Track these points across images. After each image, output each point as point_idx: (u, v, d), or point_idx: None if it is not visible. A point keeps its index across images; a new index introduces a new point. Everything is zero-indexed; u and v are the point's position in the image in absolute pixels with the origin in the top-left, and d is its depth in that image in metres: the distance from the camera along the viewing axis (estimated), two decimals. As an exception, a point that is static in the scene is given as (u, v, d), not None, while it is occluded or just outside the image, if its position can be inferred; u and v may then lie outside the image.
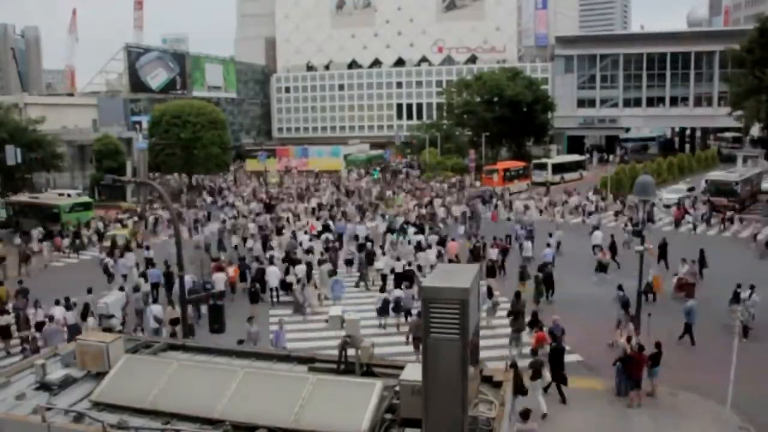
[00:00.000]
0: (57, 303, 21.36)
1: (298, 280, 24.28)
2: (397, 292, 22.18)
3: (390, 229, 33.81)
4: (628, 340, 16.33)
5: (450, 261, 27.41)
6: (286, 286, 24.96)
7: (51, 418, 7.00)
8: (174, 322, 19.08)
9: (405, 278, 23.93)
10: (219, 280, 24.15)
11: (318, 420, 6.59)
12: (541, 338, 17.88)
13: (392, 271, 25.19)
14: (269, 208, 43.36)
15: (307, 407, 6.79)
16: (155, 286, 24.41)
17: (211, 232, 34.70)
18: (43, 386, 7.88)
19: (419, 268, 25.85)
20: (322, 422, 6.55)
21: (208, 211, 44.40)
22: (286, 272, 25.42)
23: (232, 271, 26.00)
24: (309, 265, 25.87)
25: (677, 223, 38.12)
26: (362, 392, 6.90)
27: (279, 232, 34.83)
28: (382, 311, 21.70)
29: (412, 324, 19.49)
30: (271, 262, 26.12)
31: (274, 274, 24.91)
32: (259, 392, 7.16)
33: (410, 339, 18.87)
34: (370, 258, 27.46)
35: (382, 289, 22.99)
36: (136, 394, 7.30)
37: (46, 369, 8.10)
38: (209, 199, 52.59)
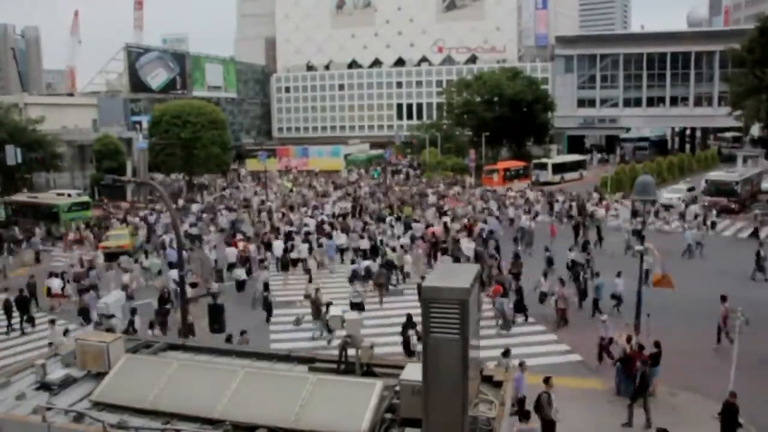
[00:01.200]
0: (52, 275, 25.48)
1: (304, 260, 28.89)
2: (366, 263, 26.26)
3: (380, 218, 38.07)
4: (628, 339, 16.34)
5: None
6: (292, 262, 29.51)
7: (51, 418, 6.99)
8: (192, 285, 21.27)
9: (372, 252, 29.07)
10: (230, 254, 28.80)
11: (318, 420, 6.59)
12: (497, 290, 22.15)
13: (359, 248, 30.23)
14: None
15: (307, 407, 6.78)
16: (171, 264, 27.33)
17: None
18: (44, 386, 7.88)
19: (381, 242, 30.70)
20: (323, 422, 6.55)
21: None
22: (291, 249, 29.92)
23: (242, 246, 30.20)
24: (310, 243, 30.84)
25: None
26: (362, 392, 6.89)
27: (267, 246, 31.69)
28: (352, 279, 25.09)
29: (376, 273, 24.89)
30: (279, 236, 32.37)
31: (279, 247, 30.19)
32: (259, 392, 7.16)
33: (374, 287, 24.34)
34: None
35: (353, 261, 27.56)
36: (136, 394, 7.30)
37: (46, 369, 8.09)
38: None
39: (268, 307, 22.71)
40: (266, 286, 23.70)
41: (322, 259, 29.36)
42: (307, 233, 33.40)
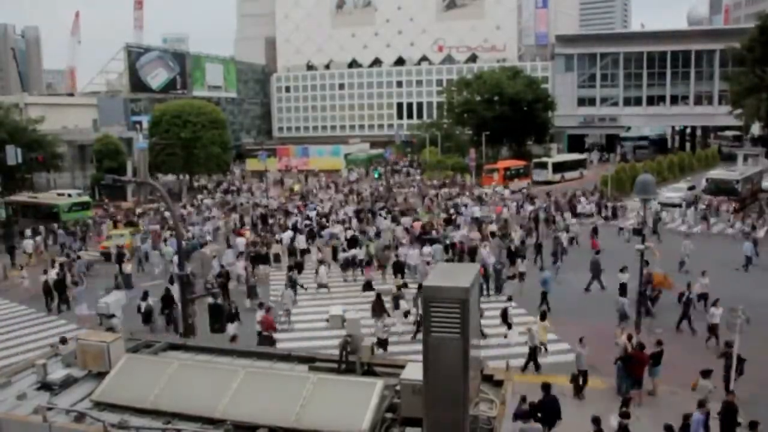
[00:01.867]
0: (52, 266, 27.52)
1: (307, 250, 31.73)
2: (353, 252, 29.03)
3: (371, 211, 40.29)
4: (629, 338, 16.33)
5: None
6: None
7: (52, 418, 6.99)
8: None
9: (354, 242, 30.90)
10: (239, 244, 31.15)
11: (319, 419, 6.59)
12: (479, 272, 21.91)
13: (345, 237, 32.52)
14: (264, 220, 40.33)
15: (308, 407, 6.78)
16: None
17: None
18: (44, 386, 7.88)
19: (363, 232, 33.52)
20: (323, 422, 6.55)
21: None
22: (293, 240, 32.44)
23: (249, 234, 33.58)
24: (311, 233, 34.34)
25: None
26: (363, 391, 6.89)
27: (264, 260, 30.17)
28: (345, 267, 28.20)
29: (379, 256, 28.08)
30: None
31: (288, 236, 32.79)
32: (260, 392, 7.16)
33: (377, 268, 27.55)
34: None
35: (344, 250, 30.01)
36: (137, 393, 7.30)
37: (47, 369, 8.10)
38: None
39: (293, 284, 24.78)
40: (290, 268, 26.37)
41: (322, 248, 31.61)
42: (307, 225, 36.51)
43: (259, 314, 19.83)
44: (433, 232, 32.76)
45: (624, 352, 15.85)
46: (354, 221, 37.69)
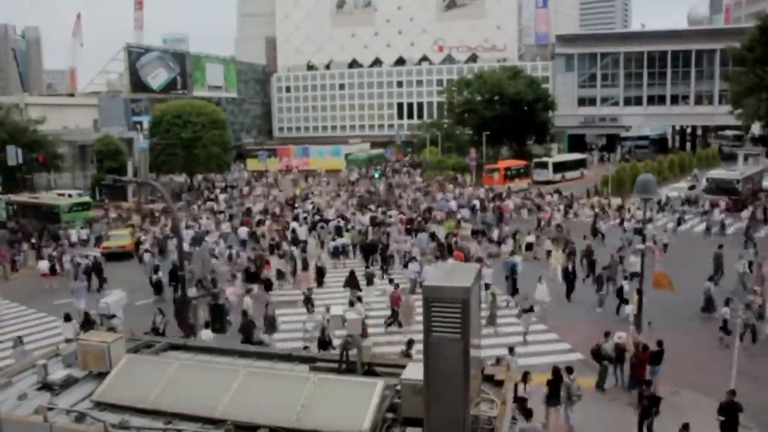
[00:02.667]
0: (41, 258, 30.21)
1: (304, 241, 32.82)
2: (341, 240, 31.71)
3: (362, 205, 43.21)
4: (606, 334, 16.47)
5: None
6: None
7: (53, 418, 6.99)
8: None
9: (339, 231, 33.56)
10: (242, 233, 34.18)
11: (319, 419, 6.59)
12: (459, 256, 25.58)
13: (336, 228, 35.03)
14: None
15: (308, 407, 6.78)
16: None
17: None
18: (45, 386, 7.88)
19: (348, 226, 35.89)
20: (324, 422, 6.55)
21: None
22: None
23: (268, 224, 35.98)
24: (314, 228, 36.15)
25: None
26: (364, 391, 6.89)
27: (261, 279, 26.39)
28: (335, 254, 30.83)
29: (358, 240, 31.65)
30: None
31: (293, 226, 35.39)
32: (260, 392, 7.16)
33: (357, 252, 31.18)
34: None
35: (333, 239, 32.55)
36: (137, 393, 7.30)
37: (48, 369, 8.10)
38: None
39: (303, 262, 28.02)
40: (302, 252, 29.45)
41: (324, 238, 33.41)
42: (306, 218, 38.99)
43: (389, 289, 21.94)
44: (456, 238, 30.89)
45: (617, 350, 15.90)
46: (369, 228, 35.23)
